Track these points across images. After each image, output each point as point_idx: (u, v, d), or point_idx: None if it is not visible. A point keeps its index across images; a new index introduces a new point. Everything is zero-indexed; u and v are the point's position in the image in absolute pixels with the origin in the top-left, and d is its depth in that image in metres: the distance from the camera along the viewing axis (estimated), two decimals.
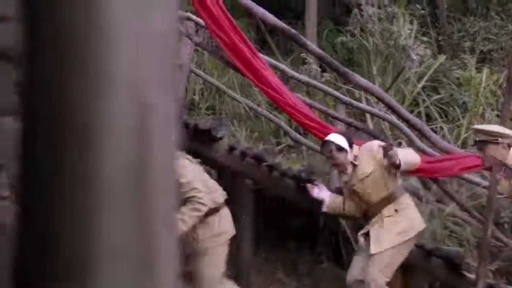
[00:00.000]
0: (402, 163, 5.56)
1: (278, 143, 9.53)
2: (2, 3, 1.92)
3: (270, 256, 7.86)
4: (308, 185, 6.24)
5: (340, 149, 5.87)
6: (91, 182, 0.99)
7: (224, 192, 5.69)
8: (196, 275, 5.52)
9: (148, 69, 1.01)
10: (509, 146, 5.57)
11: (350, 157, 5.85)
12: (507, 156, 5.57)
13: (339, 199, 6.12)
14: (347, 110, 8.35)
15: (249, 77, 6.75)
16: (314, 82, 8.08)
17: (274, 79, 6.82)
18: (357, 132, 7.56)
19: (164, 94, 1.02)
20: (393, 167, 5.67)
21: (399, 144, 7.47)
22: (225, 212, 5.67)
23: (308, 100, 7.80)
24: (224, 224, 5.64)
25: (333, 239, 7.79)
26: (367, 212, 5.98)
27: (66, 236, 0.99)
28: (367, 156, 5.87)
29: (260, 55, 7.01)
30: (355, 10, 10.89)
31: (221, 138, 6.96)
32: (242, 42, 6.57)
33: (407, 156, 5.68)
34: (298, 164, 8.19)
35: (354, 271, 5.87)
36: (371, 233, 5.82)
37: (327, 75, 9.70)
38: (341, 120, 7.78)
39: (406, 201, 5.95)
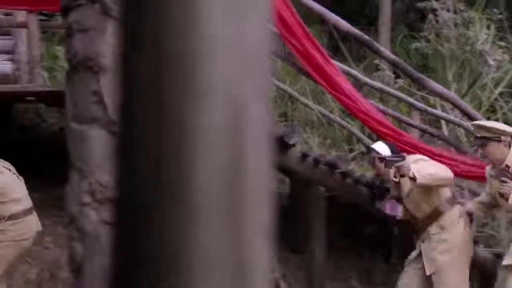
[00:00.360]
0: (417, 176, 5.25)
1: (351, 150, 9.47)
2: (83, 16, 1.97)
3: (343, 264, 7.81)
4: (379, 202, 6.00)
5: (381, 159, 5.64)
6: (187, 189, 1.00)
7: None
8: None
9: (244, 73, 1.01)
10: (510, 144, 5.46)
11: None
12: (507, 155, 5.42)
13: None
14: (422, 116, 8.23)
15: (322, 83, 6.74)
16: (387, 88, 8.00)
17: (347, 86, 6.78)
18: (432, 139, 7.45)
19: (258, 99, 1.03)
20: (411, 180, 5.36)
21: (475, 152, 7.31)
22: None
23: (381, 107, 7.73)
24: None
25: (408, 248, 7.67)
26: (415, 227, 5.80)
27: (162, 247, 1.01)
28: None
29: (333, 61, 6.99)
30: (430, 16, 10.73)
31: (293, 145, 6.95)
32: (314, 49, 6.57)
33: (424, 168, 5.35)
34: (371, 171, 8.12)
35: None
36: (423, 252, 5.65)
37: (400, 81, 9.59)
38: (415, 127, 7.67)
39: (455, 216, 5.66)
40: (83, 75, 2.01)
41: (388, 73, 9.80)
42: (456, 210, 5.73)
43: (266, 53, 1.04)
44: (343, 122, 8.81)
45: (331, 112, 9.25)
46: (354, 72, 7.67)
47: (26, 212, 5.77)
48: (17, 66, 7.54)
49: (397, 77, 9.67)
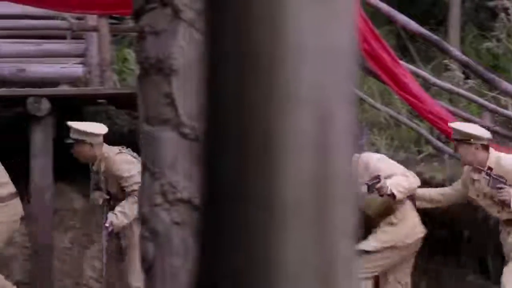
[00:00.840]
0: (395, 193, 5.52)
1: (419, 152, 9.34)
2: (155, 19, 2.00)
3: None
4: None
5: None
6: (273, 195, 1.00)
7: None
8: (129, 265, 5.76)
9: (330, 79, 1.01)
10: (484, 147, 5.58)
11: None
12: (481, 158, 5.51)
13: None
14: (493, 117, 8.06)
15: (390, 84, 6.67)
16: (457, 89, 7.87)
17: (415, 87, 6.70)
18: (504, 140, 7.29)
19: (344, 104, 1.03)
20: (390, 197, 5.57)
21: None
22: None
23: (451, 108, 7.60)
24: None
25: (479, 251, 7.52)
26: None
27: (250, 252, 1.01)
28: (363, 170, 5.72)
29: (401, 62, 6.91)
30: (502, 15, 10.51)
31: (361, 147, 6.90)
32: (383, 50, 6.51)
33: (399, 184, 5.59)
34: (440, 173, 7.99)
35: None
36: None
37: (471, 82, 9.41)
38: (486, 128, 7.52)
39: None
40: (154, 77, 2.04)
41: (458, 73, 9.63)
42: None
43: (352, 58, 1.03)
44: (411, 124, 8.70)
45: (399, 113, 9.15)
46: (423, 73, 7.57)
47: (14, 195, 6.03)
48: (88, 69, 7.70)
49: (467, 77, 9.50)
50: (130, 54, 8.58)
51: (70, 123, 6.03)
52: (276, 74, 1.00)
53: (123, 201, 5.79)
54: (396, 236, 5.90)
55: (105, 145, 6.00)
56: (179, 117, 2.00)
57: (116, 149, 6.04)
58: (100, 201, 5.97)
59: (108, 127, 8.22)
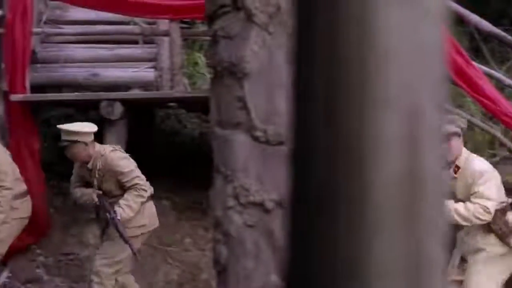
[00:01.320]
0: None
1: (494, 155, 9.15)
2: (228, 23, 2.01)
3: None
4: None
5: None
6: (363, 197, 1.00)
7: (152, 187, 6.06)
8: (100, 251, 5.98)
9: (420, 81, 1.01)
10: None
11: None
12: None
13: None
14: None
15: (462, 86, 6.56)
16: None
17: (489, 88, 6.57)
18: None
19: (434, 107, 1.02)
20: None
21: None
22: (149, 206, 6.10)
23: None
24: (146, 217, 6.05)
25: None
26: None
27: (340, 251, 1.01)
28: None
29: (474, 63, 6.78)
30: None
31: None
32: (455, 52, 6.40)
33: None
34: None
35: None
36: None
37: None
38: None
39: None
40: (227, 81, 2.05)
41: None
42: None
43: (441, 58, 1.02)
44: (485, 126, 8.53)
45: (472, 115, 8.98)
46: (497, 74, 7.42)
47: (27, 193, 6.29)
48: (160, 73, 7.81)
49: None
50: (201, 58, 8.67)
51: (60, 126, 6.20)
52: (366, 76, 0.99)
53: (126, 195, 5.95)
54: None
55: (98, 144, 6.14)
56: (251, 120, 2.01)
57: (109, 147, 6.21)
58: (95, 197, 6.07)
59: (178, 130, 8.33)
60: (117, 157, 6.07)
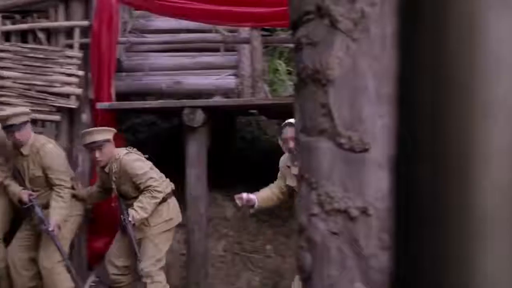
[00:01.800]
0: None
1: None
2: (312, 30, 2.01)
3: None
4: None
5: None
6: (473, 204, 0.98)
7: (172, 184, 6.25)
8: (143, 254, 6.14)
9: None
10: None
11: None
12: None
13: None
14: None
15: None
16: None
17: None
18: None
19: None
20: None
21: None
22: (173, 202, 6.29)
23: None
24: (172, 212, 6.25)
25: None
26: None
27: (447, 262, 1.00)
28: None
29: None
30: None
31: None
32: None
33: None
34: None
35: None
36: None
37: None
38: None
39: None
40: (311, 88, 2.05)
41: None
42: None
43: None
44: None
45: None
46: None
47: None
48: (241, 80, 7.88)
49: None
50: (281, 65, 8.70)
51: (83, 131, 6.49)
52: (475, 81, 0.98)
53: (140, 197, 6.13)
54: None
55: (114, 147, 6.36)
56: (335, 127, 2.00)
57: (124, 149, 6.39)
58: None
59: (258, 136, 8.37)
60: (131, 159, 6.27)
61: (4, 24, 7.32)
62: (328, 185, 2.00)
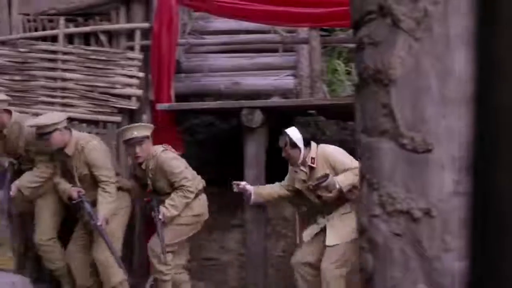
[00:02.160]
0: (343, 189, 5.90)
1: None
2: (374, 29, 2.00)
3: None
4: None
5: (294, 146, 6.11)
6: None
7: (203, 181, 6.48)
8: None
9: None
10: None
11: (302, 156, 6.09)
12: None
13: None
14: None
15: None
16: None
17: None
18: None
19: None
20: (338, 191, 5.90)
21: None
22: (203, 198, 6.49)
23: None
24: (202, 207, 6.47)
25: None
26: (323, 209, 6.15)
27: None
28: (322, 162, 6.08)
29: None
30: None
31: None
32: None
33: (345, 179, 5.92)
34: None
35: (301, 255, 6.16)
36: (328, 227, 6.05)
37: None
38: None
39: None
40: (373, 88, 2.04)
41: None
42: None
43: None
44: None
45: None
46: None
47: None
48: (299, 81, 7.87)
49: None
50: (340, 65, 8.66)
51: (122, 128, 6.66)
52: None
53: (172, 194, 6.33)
54: None
55: (151, 144, 6.51)
56: (397, 127, 1.98)
57: (161, 147, 6.53)
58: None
59: (317, 137, 8.34)
60: (168, 157, 6.43)
61: (67, 27, 7.47)
62: (390, 186, 1.98)
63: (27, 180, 6.51)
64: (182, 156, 6.97)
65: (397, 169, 1.98)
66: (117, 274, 6.42)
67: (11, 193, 6.48)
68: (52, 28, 7.48)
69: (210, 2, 7.27)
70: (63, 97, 7.38)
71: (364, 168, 2.06)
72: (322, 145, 6.30)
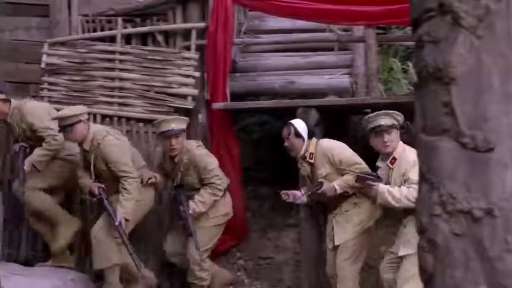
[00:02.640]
0: (341, 191, 6.06)
1: None
2: (434, 27, 1.98)
3: None
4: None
5: (298, 135, 6.18)
6: None
7: (228, 179, 6.59)
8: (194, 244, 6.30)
9: None
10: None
11: (304, 147, 6.16)
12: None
13: None
14: None
15: None
16: None
17: None
18: None
19: None
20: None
21: None
22: (228, 196, 6.61)
23: None
24: (228, 206, 6.59)
25: None
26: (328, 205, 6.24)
27: None
28: (321, 157, 6.10)
29: None
30: None
31: None
32: None
33: (344, 183, 6.04)
34: None
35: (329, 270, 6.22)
36: (334, 226, 6.12)
37: None
38: None
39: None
40: (432, 86, 2.02)
41: None
42: None
43: None
44: None
45: None
46: None
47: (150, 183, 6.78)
48: (355, 79, 7.83)
49: None
50: (396, 63, 8.58)
51: (158, 120, 6.69)
52: None
53: (201, 191, 6.41)
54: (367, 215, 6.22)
55: (185, 139, 6.60)
56: (458, 126, 1.96)
57: (195, 142, 6.62)
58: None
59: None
60: (203, 153, 6.54)
61: (125, 27, 7.58)
62: (451, 186, 1.96)
63: (38, 154, 6.62)
64: (237, 155, 7.01)
65: (458, 168, 1.96)
66: (112, 257, 6.37)
67: (25, 167, 6.58)
68: (110, 29, 7.60)
69: (266, 1, 7.28)
70: (121, 97, 7.49)
71: (424, 167, 2.04)
72: (321, 140, 6.32)
